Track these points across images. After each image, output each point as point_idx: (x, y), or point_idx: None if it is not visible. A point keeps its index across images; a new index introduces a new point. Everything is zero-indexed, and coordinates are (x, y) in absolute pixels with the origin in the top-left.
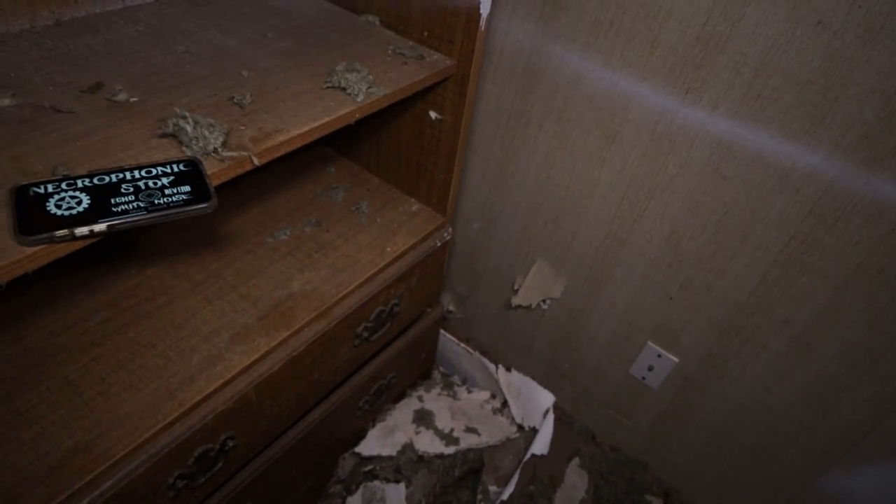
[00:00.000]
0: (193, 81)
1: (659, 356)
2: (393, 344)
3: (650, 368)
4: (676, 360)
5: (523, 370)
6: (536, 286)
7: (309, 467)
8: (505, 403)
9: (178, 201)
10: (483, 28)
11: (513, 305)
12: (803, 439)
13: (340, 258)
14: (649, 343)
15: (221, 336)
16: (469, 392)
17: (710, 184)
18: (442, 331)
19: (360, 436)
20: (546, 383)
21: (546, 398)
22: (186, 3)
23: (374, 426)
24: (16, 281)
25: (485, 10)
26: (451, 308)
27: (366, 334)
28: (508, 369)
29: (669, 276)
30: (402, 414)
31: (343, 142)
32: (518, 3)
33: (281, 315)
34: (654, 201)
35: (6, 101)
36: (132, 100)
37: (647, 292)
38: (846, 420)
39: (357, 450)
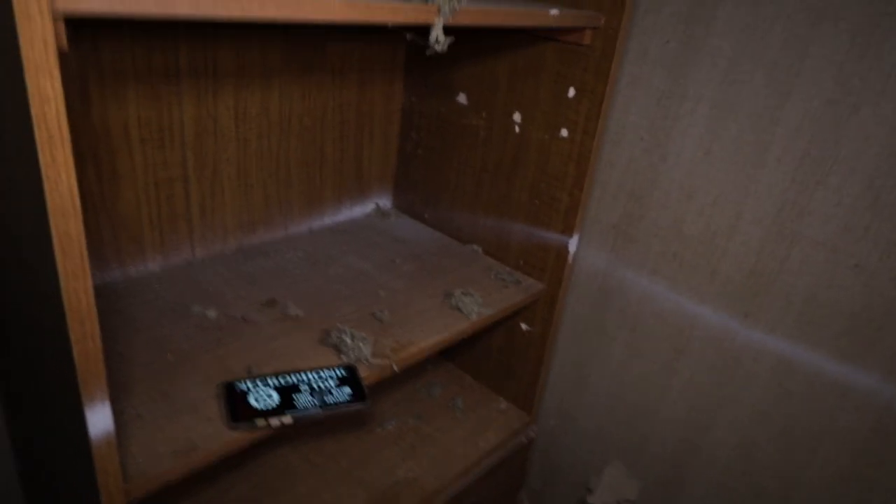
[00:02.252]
0: (342, 299)
1: None
2: None
3: None
4: None
5: None
6: (611, 487)
7: None
8: None
9: (343, 400)
10: (570, 261)
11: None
12: None
13: (439, 449)
14: None
15: None
16: None
17: (774, 397)
18: None
19: None
20: None
21: None
22: (331, 234)
23: None
24: None
25: (572, 247)
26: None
27: None
28: None
29: (743, 485)
30: None
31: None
32: (593, 235)
33: (388, 500)
34: (723, 410)
35: (212, 313)
36: (299, 314)
37: (721, 500)
38: None
39: None
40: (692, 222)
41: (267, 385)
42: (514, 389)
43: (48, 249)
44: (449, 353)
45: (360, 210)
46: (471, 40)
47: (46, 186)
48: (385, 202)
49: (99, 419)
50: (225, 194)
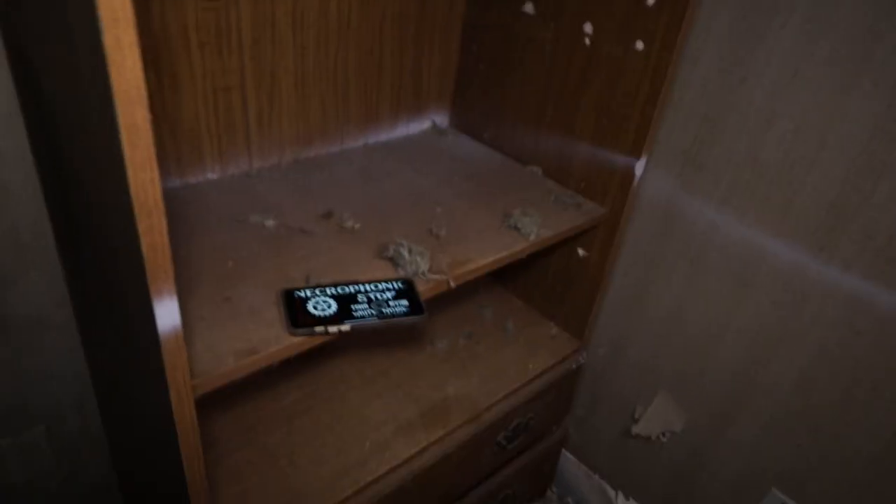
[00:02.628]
0: (399, 214)
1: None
2: (520, 457)
3: None
4: None
5: (640, 501)
6: (658, 417)
7: None
8: None
9: (401, 312)
10: (635, 185)
11: (632, 433)
12: None
13: (489, 369)
14: (774, 490)
15: (388, 427)
16: None
17: (842, 337)
18: (564, 452)
19: None
20: None
21: None
22: (386, 149)
23: None
24: None
25: (639, 171)
26: (573, 431)
27: (504, 443)
28: (627, 498)
29: (798, 424)
30: None
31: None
32: (660, 159)
33: (438, 414)
34: (786, 348)
35: (270, 222)
36: (356, 226)
37: (773, 437)
38: None
39: None
40: (770, 150)
41: (325, 294)
42: (566, 315)
43: (115, 140)
44: (502, 277)
45: (416, 126)
46: None
47: (112, 72)
48: (442, 119)
49: (167, 313)
50: (282, 104)
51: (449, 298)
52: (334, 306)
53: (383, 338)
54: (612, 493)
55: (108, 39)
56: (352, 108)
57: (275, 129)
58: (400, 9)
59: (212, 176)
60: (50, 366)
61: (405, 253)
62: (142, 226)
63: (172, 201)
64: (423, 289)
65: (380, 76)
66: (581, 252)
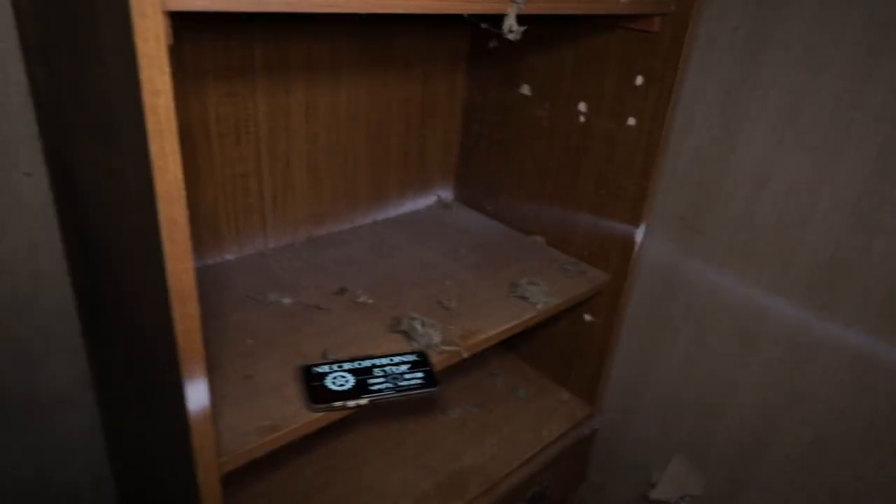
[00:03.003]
0: (410, 287)
1: None
2: None
3: None
4: None
5: None
6: (674, 481)
7: None
8: None
9: (415, 385)
10: (636, 252)
11: (650, 499)
12: None
13: (503, 437)
14: None
15: (406, 500)
16: None
17: (852, 394)
18: None
19: None
20: None
21: None
22: (394, 225)
23: None
24: None
25: (639, 237)
26: (588, 498)
27: None
28: None
29: (816, 484)
30: None
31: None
32: (659, 226)
33: (455, 486)
34: (797, 406)
35: (286, 300)
36: (369, 301)
37: (792, 498)
38: None
39: None
40: (764, 213)
41: (342, 369)
42: (576, 381)
43: (155, 234)
44: (511, 345)
45: (423, 202)
46: (535, 30)
47: (156, 176)
48: (447, 194)
49: (197, 394)
50: (296, 188)
51: (460, 368)
52: (352, 381)
53: (397, 409)
54: None
55: (155, 148)
56: (361, 188)
57: (289, 210)
58: (404, 94)
59: (229, 257)
60: (69, 444)
61: (418, 326)
62: (177, 313)
63: None
64: (437, 360)
65: (387, 157)
66: (588, 318)
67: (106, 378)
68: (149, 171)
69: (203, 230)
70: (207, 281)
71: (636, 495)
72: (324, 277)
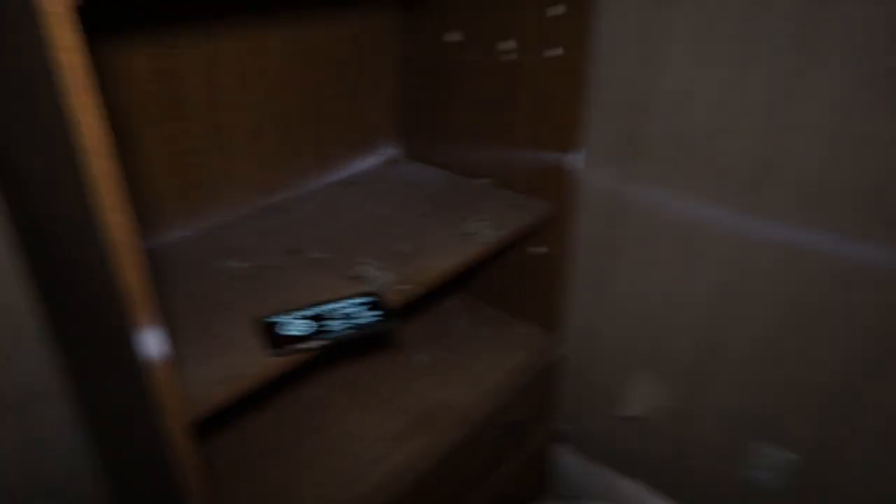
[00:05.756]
0: (363, 240)
1: (768, 454)
2: (516, 455)
3: (761, 467)
4: (786, 455)
5: (645, 480)
6: (640, 395)
7: None
8: None
9: (374, 321)
10: (578, 178)
11: (620, 417)
12: None
13: (471, 374)
14: (757, 441)
15: (384, 441)
16: None
17: (794, 282)
18: (557, 446)
19: None
20: (664, 492)
21: None
22: (344, 185)
23: None
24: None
25: (578, 164)
26: (563, 424)
27: (496, 441)
28: (625, 479)
29: (769, 374)
30: None
31: (460, 278)
32: (598, 153)
33: (429, 422)
34: (744, 305)
35: (242, 265)
36: (324, 257)
37: (749, 391)
38: None
39: None
40: (693, 126)
41: (301, 316)
42: (537, 313)
43: (88, 190)
44: (470, 287)
45: (371, 161)
46: None
47: (78, 129)
48: (394, 150)
49: (155, 343)
50: (241, 157)
51: (423, 314)
52: (311, 326)
53: (367, 359)
54: (609, 477)
55: (73, 102)
56: (306, 153)
57: (237, 181)
58: (335, 55)
59: (184, 233)
60: (49, 436)
61: (371, 270)
62: (121, 264)
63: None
64: (395, 299)
65: (328, 119)
66: (540, 249)
67: (79, 368)
68: (69, 125)
69: (152, 209)
70: (163, 257)
71: (608, 416)
72: (277, 241)
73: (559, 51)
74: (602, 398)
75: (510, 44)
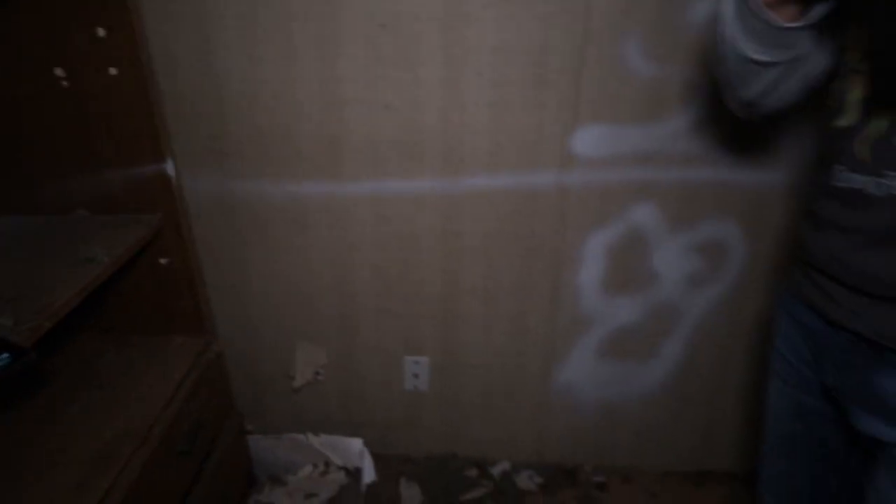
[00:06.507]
0: None
1: (416, 363)
2: (211, 457)
3: (416, 376)
4: (427, 359)
5: (327, 431)
6: (306, 363)
7: None
8: (327, 465)
9: (5, 363)
10: (175, 184)
11: (295, 388)
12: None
13: (137, 397)
14: (406, 357)
15: (68, 485)
16: (294, 474)
17: (383, 224)
18: (251, 436)
19: None
20: (350, 433)
21: (355, 443)
22: None
23: None
24: None
25: (171, 171)
26: (245, 417)
27: (186, 448)
28: (317, 434)
29: (394, 302)
30: None
31: (101, 316)
32: (193, 159)
33: (110, 454)
34: (354, 254)
35: None
36: None
37: (385, 319)
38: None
39: None
40: (265, 119)
41: None
42: (182, 323)
43: None
44: (110, 322)
45: None
46: None
47: None
48: None
49: None
50: None
51: (73, 359)
52: None
53: (24, 415)
54: (302, 438)
55: None
56: None
57: None
58: None
59: None
60: None
61: None
62: None
63: None
64: (22, 339)
65: None
66: (163, 260)
67: None
68: None
69: None
70: None
71: (286, 393)
72: None
73: (115, 71)
74: (277, 383)
75: (59, 71)
